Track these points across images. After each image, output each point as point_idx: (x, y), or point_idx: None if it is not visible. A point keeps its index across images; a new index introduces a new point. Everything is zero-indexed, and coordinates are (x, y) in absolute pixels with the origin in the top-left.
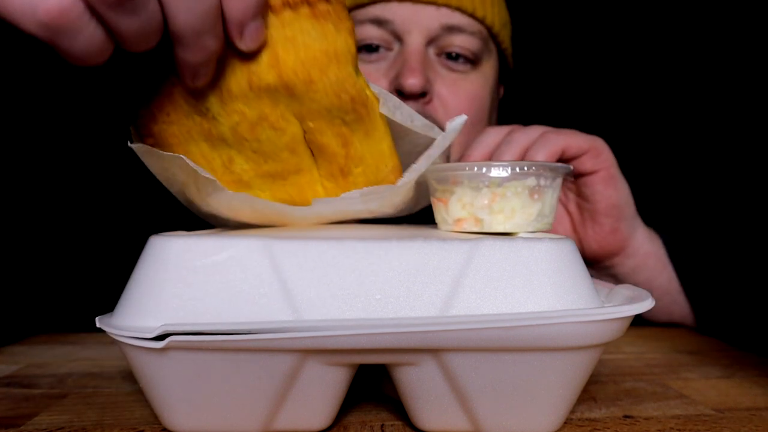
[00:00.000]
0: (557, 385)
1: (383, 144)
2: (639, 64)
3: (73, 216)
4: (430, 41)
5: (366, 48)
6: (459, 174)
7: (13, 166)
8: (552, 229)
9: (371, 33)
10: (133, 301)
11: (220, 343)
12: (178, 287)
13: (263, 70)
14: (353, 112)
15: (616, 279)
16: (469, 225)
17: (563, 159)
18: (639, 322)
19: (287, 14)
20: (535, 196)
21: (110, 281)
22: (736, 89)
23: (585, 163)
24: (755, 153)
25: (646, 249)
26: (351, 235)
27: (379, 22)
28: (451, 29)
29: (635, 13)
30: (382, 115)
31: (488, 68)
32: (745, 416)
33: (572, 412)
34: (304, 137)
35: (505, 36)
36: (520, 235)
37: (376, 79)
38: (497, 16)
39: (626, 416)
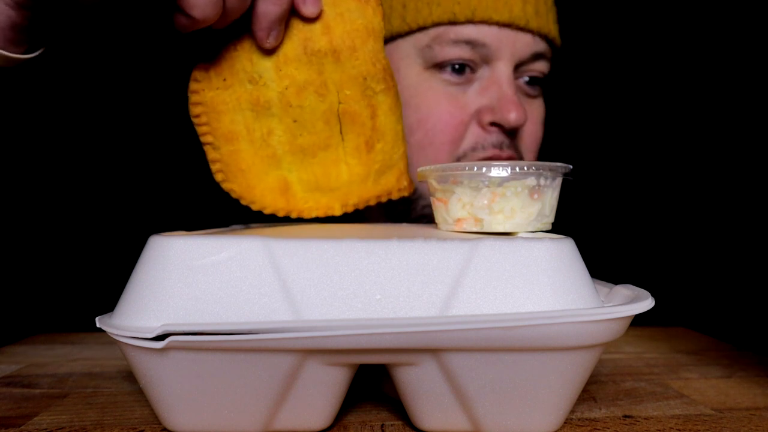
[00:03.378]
0: (557, 385)
1: (399, 126)
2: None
3: (73, 216)
4: (515, 68)
5: (452, 67)
6: (459, 174)
7: (14, 165)
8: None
9: (463, 53)
10: (133, 301)
11: (220, 343)
12: (178, 287)
13: (317, 36)
14: (383, 81)
15: None
16: (469, 225)
17: None
18: (639, 322)
19: None
20: (535, 196)
21: (110, 281)
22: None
23: None
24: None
25: None
26: (351, 235)
27: (473, 45)
28: (536, 56)
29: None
30: (400, 103)
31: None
32: (745, 416)
33: (572, 412)
34: (338, 110)
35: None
36: (520, 235)
37: (464, 104)
38: (557, 32)
39: (626, 416)
